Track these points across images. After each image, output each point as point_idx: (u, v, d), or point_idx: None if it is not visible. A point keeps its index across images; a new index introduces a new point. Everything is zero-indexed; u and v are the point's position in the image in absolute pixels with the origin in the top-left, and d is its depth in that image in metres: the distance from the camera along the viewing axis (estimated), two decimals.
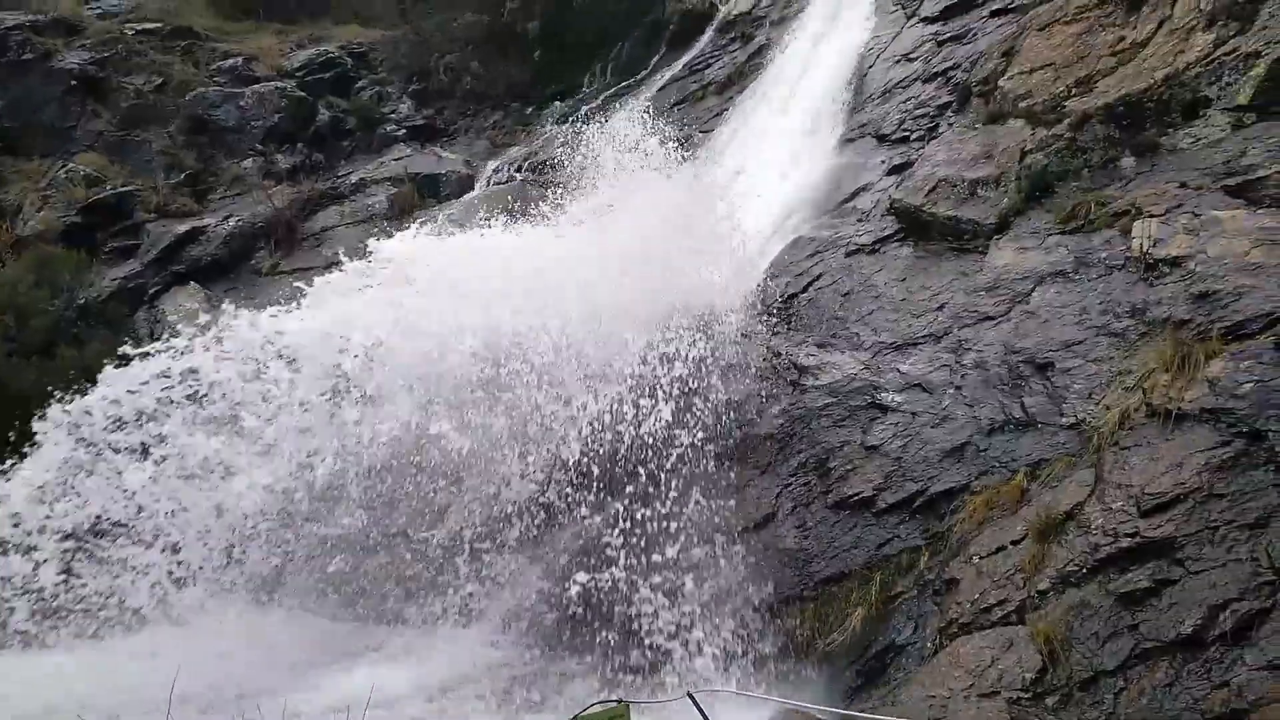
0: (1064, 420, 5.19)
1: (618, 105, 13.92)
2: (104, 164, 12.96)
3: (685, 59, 14.19)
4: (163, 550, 6.49)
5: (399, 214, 12.50)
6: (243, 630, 6.40)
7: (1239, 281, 4.91)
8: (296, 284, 7.58)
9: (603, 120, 13.34)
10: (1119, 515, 4.23)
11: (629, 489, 6.37)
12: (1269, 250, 4.94)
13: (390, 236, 8.57)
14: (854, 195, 8.61)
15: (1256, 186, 5.44)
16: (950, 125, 8.53)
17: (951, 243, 7.08)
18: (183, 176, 13.24)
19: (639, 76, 14.60)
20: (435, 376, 6.85)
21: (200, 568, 6.56)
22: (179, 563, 6.51)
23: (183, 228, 12.18)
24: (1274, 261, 4.87)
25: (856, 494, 5.74)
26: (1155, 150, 6.42)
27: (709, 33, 14.45)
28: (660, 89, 13.85)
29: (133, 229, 12.22)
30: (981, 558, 4.73)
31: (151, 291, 11.56)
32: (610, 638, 5.70)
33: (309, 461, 6.64)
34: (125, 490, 6.40)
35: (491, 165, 13.63)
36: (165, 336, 7.06)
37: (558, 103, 15.11)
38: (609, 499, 6.46)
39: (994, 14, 9.52)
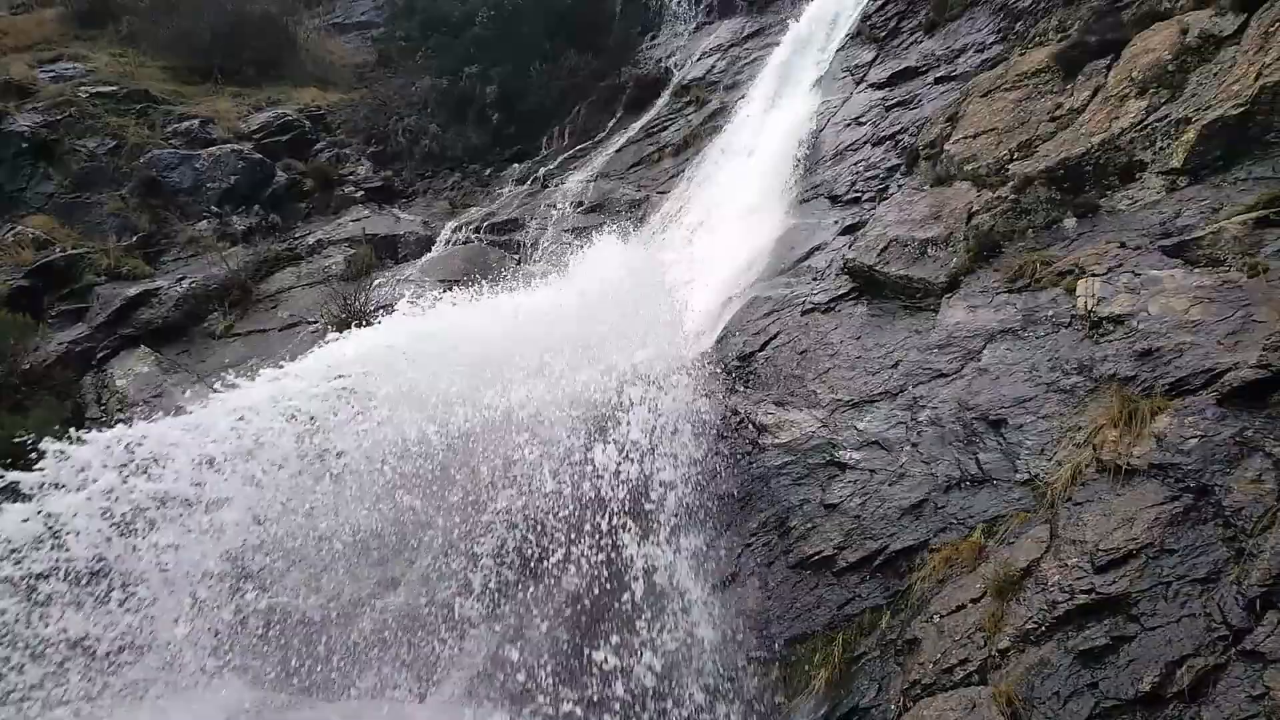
0: (1018, 476, 5.26)
1: (575, 167, 14.16)
2: (53, 226, 12.79)
3: (641, 122, 14.49)
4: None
5: (356, 274, 12.46)
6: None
7: (1180, 339, 5.05)
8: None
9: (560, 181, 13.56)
10: (1075, 572, 4.27)
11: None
12: (1205, 308, 5.11)
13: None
14: (809, 255, 8.76)
15: (1192, 247, 5.64)
16: (900, 186, 8.77)
17: (904, 301, 7.22)
18: (135, 239, 13.08)
19: (596, 139, 14.87)
20: None
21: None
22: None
23: (134, 290, 11.99)
24: (1211, 319, 5.02)
25: (817, 553, 5.73)
26: (1095, 212, 6.65)
27: (664, 97, 14.80)
28: (617, 151, 14.10)
29: (82, 292, 12.00)
30: (942, 616, 4.73)
31: (100, 355, 11.30)
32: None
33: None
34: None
35: (450, 226, 13.68)
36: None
37: (516, 165, 15.30)
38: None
39: (938, 81, 9.88)
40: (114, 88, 15.38)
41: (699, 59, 15.18)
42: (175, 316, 11.85)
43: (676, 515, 6.34)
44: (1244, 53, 6.47)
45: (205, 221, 13.76)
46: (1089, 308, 5.71)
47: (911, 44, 11.00)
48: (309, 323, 11.34)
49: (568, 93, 15.77)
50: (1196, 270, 5.47)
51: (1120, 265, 5.85)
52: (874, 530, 5.60)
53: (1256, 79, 6.20)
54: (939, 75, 9.99)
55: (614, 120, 15.14)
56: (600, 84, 15.73)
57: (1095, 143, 6.96)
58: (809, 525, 5.90)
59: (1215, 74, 6.60)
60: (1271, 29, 6.40)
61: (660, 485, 6.49)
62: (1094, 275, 5.89)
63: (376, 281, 12.02)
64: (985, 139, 7.95)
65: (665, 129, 13.88)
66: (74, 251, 12.35)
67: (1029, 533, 4.76)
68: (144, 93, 15.55)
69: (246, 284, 12.39)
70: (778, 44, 13.48)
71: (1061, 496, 4.76)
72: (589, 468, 6.60)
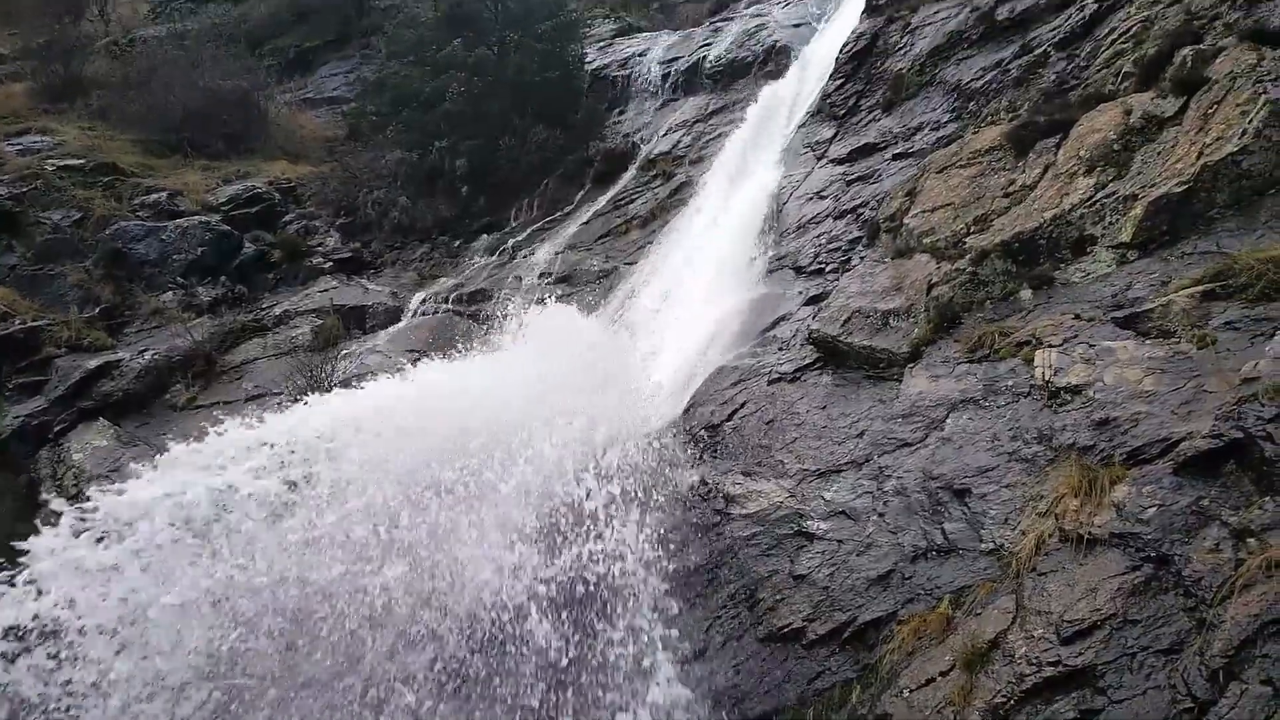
0: (983, 546, 5.27)
1: (544, 238, 14.32)
2: (14, 299, 12.64)
3: (609, 195, 14.74)
4: None
5: (323, 345, 12.41)
6: None
7: (1135, 409, 5.15)
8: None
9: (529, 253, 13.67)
10: (1041, 644, 4.26)
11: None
12: (1158, 379, 5.22)
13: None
14: (774, 325, 8.89)
15: (1143, 319, 5.79)
16: (862, 258, 8.95)
17: (868, 371, 7.32)
18: (97, 310, 12.98)
19: (565, 211, 15.08)
20: None
21: None
22: None
23: (94, 362, 11.84)
24: (1164, 389, 5.14)
25: (786, 625, 5.67)
26: (1050, 284, 6.83)
27: (632, 170, 15.09)
28: (586, 223, 14.31)
29: (40, 364, 11.84)
30: (912, 690, 4.69)
31: (57, 429, 11.10)
32: None
33: None
34: None
35: (419, 297, 13.72)
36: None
37: (485, 236, 15.44)
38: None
39: (896, 157, 10.20)
40: (81, 161, 15.43)
41: (665, 134, 15.55)
42: (136, 389, 11.70)
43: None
44: (1185, 133, 6.76)
45: (170, 293, 13.70)
46: (1047, 378, 5.81)
47: (870, 121, 11.37)
48: (274, 394, 11.23)
49: (537, 166, 16.03)
50: (1148, 341, 5.61)
51: (1075, 336, 5.99)
52: (843, 601, 5.57)
53: (1198, 158, 6.47)
54: (897, 151, 10.30)
55: (582, 193, 15.40)
56: (569, 158, 16.02)
57: (1047, 217, 7.18)
58: (778, 597, 5.85)
59: (1159, 153, 6.87)
60: (1210, 111, 6.71)
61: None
62: (1050, 346, 6.02)
63: (343, 352, 11.98)
64: (943, 213, 8.17)
65: (633, 201, 14.13)
66: (34, 324, 12.20)
67: (995, 603, 4.75)
68: (112, 165, 15.60)
69: (211, 355, 12.30)
70: (742, 119, 13.88)
71: (1026, 566, 4.77)
72: None
